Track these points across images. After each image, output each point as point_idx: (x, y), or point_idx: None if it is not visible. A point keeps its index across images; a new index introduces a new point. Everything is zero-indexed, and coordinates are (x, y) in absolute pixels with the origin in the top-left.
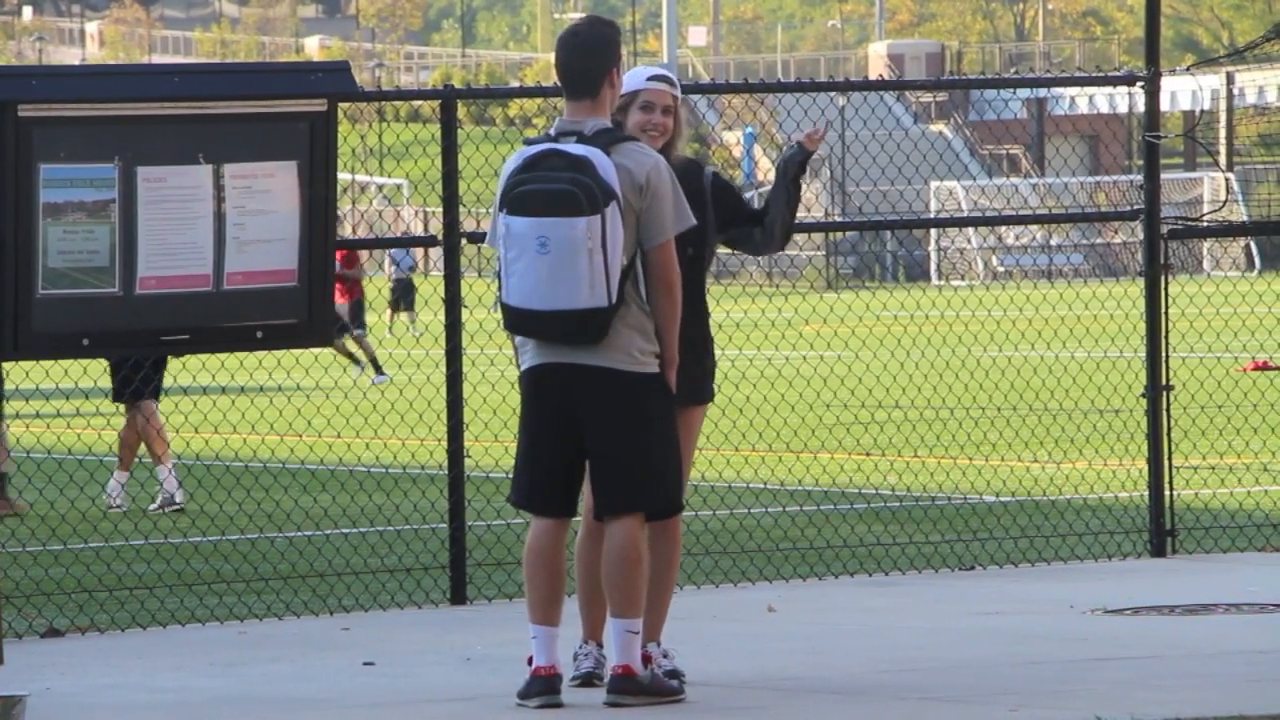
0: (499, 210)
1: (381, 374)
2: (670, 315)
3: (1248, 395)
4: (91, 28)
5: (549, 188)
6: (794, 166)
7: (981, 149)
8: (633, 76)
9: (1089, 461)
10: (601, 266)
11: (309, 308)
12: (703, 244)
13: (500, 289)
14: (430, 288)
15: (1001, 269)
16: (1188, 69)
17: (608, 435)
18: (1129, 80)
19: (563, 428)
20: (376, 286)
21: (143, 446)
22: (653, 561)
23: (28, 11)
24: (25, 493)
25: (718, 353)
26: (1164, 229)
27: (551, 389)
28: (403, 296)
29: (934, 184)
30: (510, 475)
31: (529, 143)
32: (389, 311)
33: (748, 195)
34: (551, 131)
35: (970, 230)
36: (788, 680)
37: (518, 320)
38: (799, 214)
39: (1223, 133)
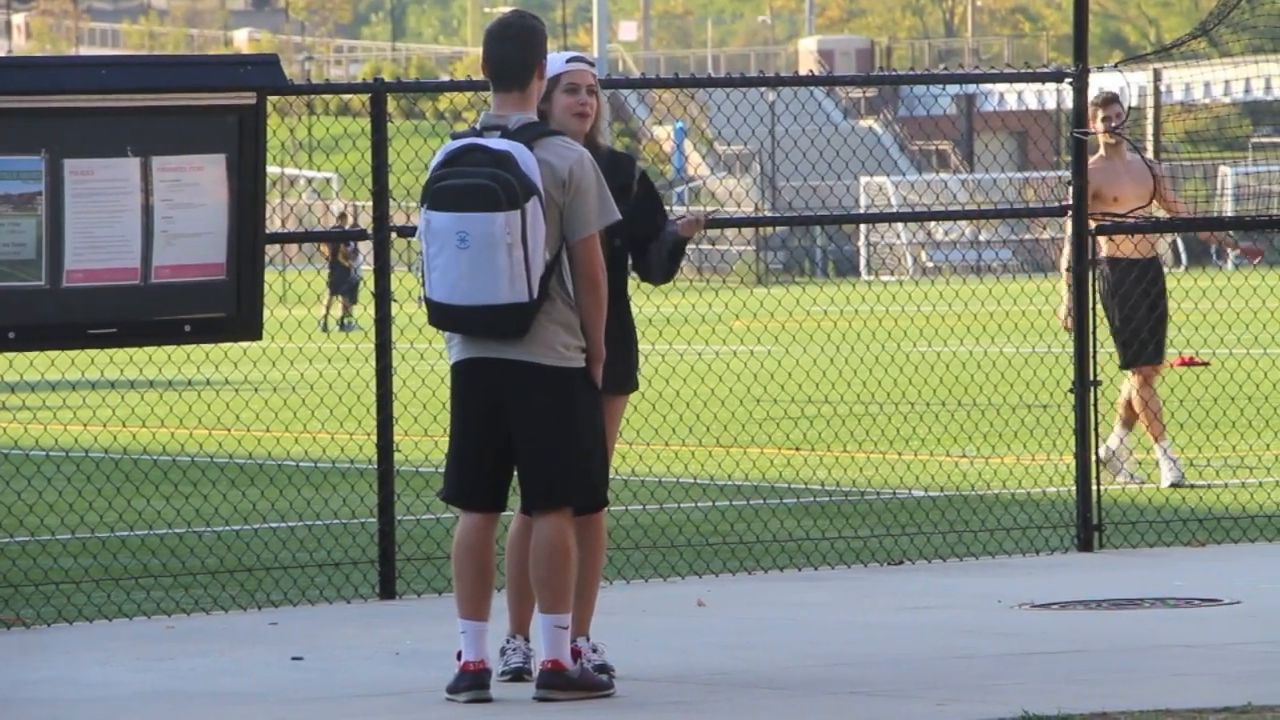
0: (421, 205)
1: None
2: (595, 309)
3: (1174, 391)
4: (18, 19)
5: (468, 182)
6: (669, 245)
7: (911, 145)
8: (552, 61)
9: (1017, 456)
10: (522, 261)
11: (238, 301)
12: (629, 236)
13: (423, 284)
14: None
15: (931, 264)
16: (1115, 66)
17: (534, 430)
18: (1057, 77)
19: (489, 422)
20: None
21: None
22: (579, 556)
23: None
24: None
25: (646, 347)
26: (1091, 225)
27: (478, 383)
28: None
29: (864, 179)
30: (441, 470)
31: (455, 137)
32: None
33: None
34: (477, 125)
35: (900, 225)
36: (717, 675)
37: (440, 315)
38: (729, 209)
39: (1150, 129)
